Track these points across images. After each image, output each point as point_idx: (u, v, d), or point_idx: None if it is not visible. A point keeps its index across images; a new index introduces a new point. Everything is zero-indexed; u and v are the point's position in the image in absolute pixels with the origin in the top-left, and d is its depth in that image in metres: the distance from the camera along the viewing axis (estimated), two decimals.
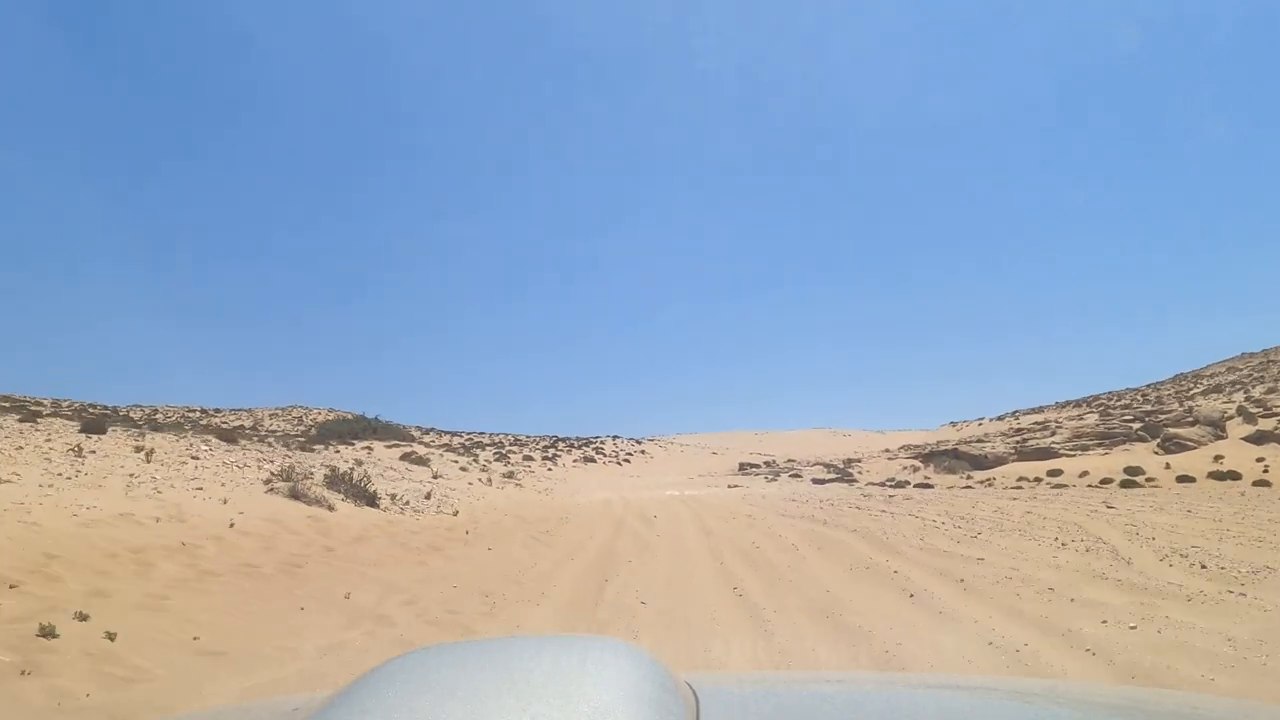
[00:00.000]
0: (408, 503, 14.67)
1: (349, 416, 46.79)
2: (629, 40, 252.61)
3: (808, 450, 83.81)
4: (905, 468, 47.13)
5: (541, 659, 0.96)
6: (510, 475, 33.69)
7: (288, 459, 16.14)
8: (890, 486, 35.47)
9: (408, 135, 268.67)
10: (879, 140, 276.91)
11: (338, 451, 31.78)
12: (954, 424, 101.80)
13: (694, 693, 1.08)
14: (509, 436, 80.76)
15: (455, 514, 14.99)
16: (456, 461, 39.49)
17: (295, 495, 12.14)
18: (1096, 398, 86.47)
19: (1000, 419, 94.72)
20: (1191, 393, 63.11)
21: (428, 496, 16.13)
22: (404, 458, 34.92)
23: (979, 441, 51.76)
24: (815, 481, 40.59)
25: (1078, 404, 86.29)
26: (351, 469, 15.32)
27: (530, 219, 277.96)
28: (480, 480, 26.74)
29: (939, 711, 1.32)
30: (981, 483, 34.06)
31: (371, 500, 13.58)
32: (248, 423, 77.64)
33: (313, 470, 14.67)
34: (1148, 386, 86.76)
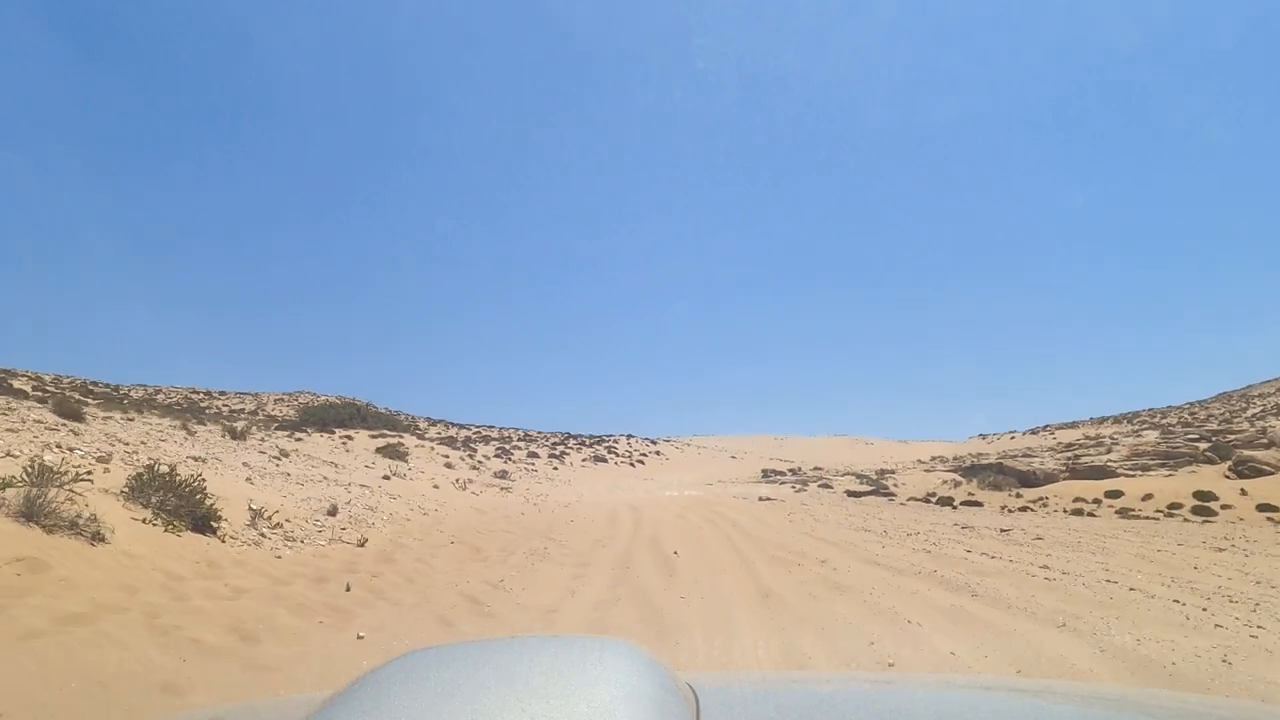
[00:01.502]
0: (279, 525, 8.95)
1: (337, 402, 41.54)
2: (629, 40, 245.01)
3: (831, 458, 77.40)
4: (945, 482, 41.15)
5: (541, 659, 0.93)
6: (502, 475, 28.08)
7: (129, 449, 10.53)
8: (935, 503, 29.64)
9: (418, 135, 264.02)
10: (884, 146, 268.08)
11: (299, 440, 26.39)
12: (984, 436, 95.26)
13: (694, 693, 1.05)
14: (520, 431, 75.20)
15: (362, 543, 9.29)
16: (446, 457, 33.96)
17: (31, 514, 6.52)
18: (1137, 414, 79.65)
19: (1034, 432, 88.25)
20: (1248, 413, 56.33)
21: (332, 512, 10.43)
22: (382, 450, 29.64)
23: (1024, 456, 45.70)
24: (849, 494, 34.76)
25: (1117, 419, 79.53)
26: (181, 469, 9.60)
27: (546, 218, 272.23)
28: (455, 482, 21.13)
29: (939, 711, 1.27)
30: (1034, 502, 28.50)
31: (202, 522, 7.93)
32: (250, 406, 73.23)
33: (81, 475, 8.90)
34: (1195, 404, 79.86)
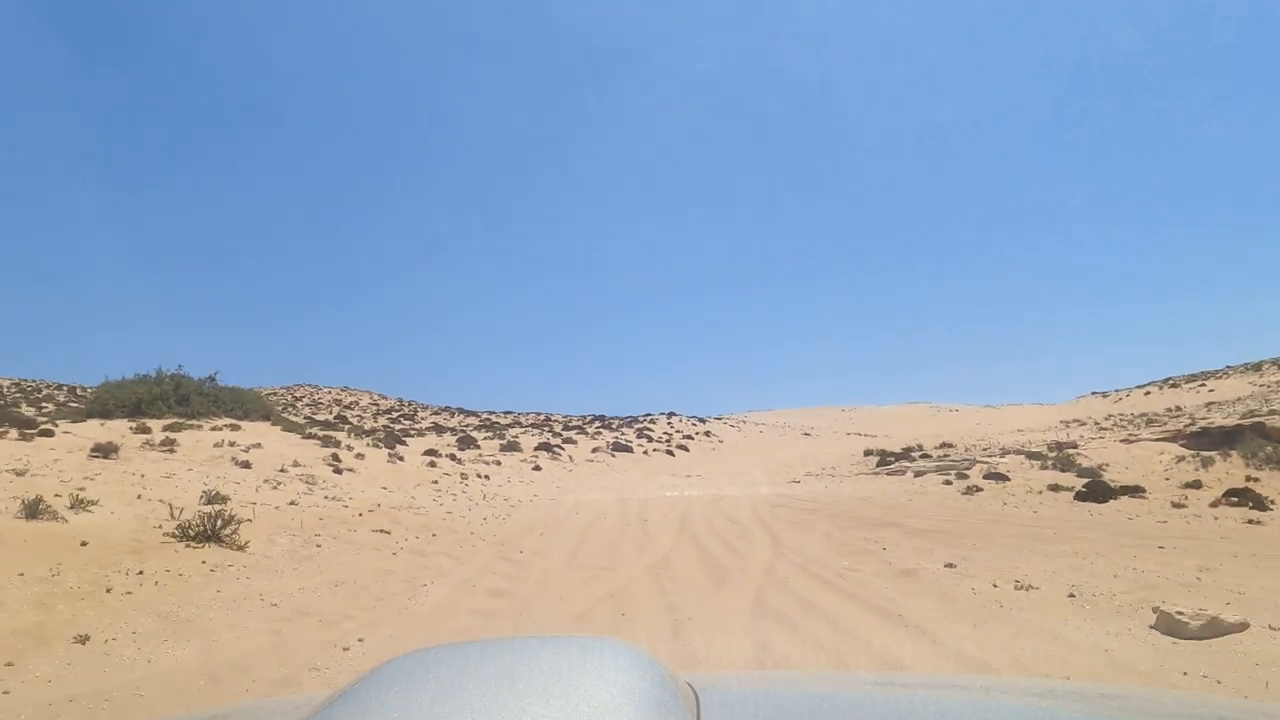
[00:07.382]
0: None
1: (152, 377, 24.59)
2: (629, 39, 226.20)
3: (917, 429, 58.26)
4: (1178, 459, 22.72)
5: (541, 659, 0.89)
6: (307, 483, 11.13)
7: None
8: None
9: (415, 134, 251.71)
10: (877, 145, 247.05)
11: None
12: (1103, 394, 75.10)
13: (694, 693, 1.00)
14: (540, 416, 59.29)
15: None
16: (278, 468, 17.49)
17: None
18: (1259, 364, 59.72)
19: (1173, 386, 67.37)
20: None
21: None
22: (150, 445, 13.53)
23: None
24: (1075, 496, 16.24)
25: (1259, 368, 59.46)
26: None
27: (558, 217, 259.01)
28: None
29: (939, 711, 1.21)
30: None
31: None
32: None
33: None
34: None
